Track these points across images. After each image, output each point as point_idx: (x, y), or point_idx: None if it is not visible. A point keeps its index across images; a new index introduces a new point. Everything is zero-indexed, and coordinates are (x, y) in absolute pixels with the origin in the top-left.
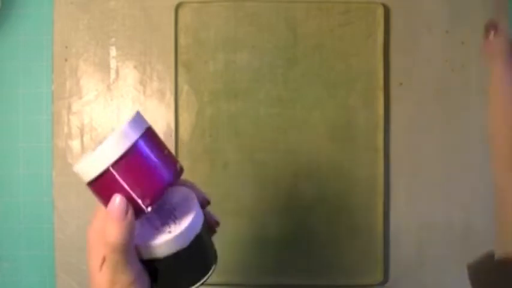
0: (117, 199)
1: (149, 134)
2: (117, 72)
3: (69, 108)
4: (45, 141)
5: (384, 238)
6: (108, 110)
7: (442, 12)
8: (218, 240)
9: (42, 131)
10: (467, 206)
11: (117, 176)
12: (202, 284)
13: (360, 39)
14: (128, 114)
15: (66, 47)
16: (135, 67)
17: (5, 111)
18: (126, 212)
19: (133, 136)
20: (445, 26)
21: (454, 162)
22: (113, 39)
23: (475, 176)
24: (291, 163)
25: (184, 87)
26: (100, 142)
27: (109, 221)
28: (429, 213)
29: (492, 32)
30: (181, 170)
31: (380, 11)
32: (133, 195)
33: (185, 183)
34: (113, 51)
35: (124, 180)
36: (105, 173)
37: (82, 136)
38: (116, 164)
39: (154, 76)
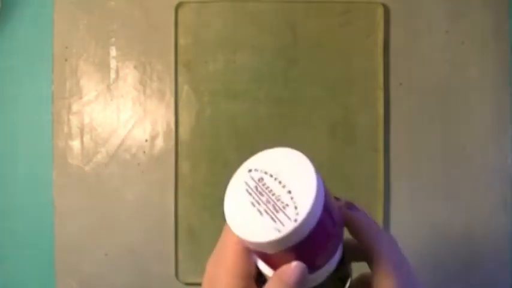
0: (300, 268)
1: (327, 199)
2: (117, 72)
3: (69, 108)
4: (45, 141)
5: None
6: (108, 110)
7: (442, 12)
8: (217, 240)
9: (42, 131)
10: (467, 206)
11: (296, 253)
12: None
13: (359, 39)
14: (128, 115)
15: (66, 47)
16: (135, 67)
17: (5, 111)
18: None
19: (319, 210)
20: (445, 26)
21: (454, 162)
22: (113, 39)
23: (475, 176)
24: None
25: (184, 87)
26: (270, 208)
27: (279, 282)
28: (429, 213)
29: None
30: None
31: (380, 11)
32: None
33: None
34: (113, 51)
35: (304, 254)
36: (281, 252)
37: (82, 136)
38: (301, 243)
39: (154, 76)
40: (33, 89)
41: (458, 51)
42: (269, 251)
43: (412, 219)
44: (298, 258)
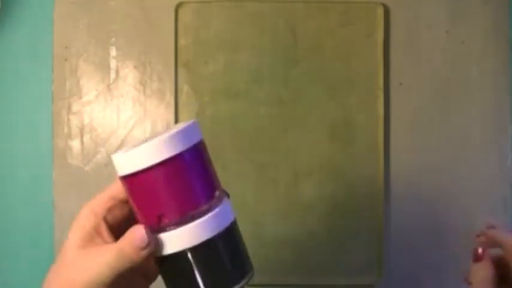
0: (142, 233)
1: (198, 149)
2: (117, 72)
3: (69, 108)
4: (45, 141)
5: (383, 238)
6: (108, 110)
7: (442, 12)
8: None
9: (42, 131)
10: (467, 206)
11: (149, 181)
12: None
13: (360, 39)
14: (128, 115)
15: (66, 47)
16: (135, 67)
17: (5, 111)
18: (143, 249)
19: (182, 145)
20: (445, 26)
21: (454, 162)
22: (113, 39)
23: (475, 176)
24: (291, 163)
25: (184, 87)
26: (147, 139)
27: (124, 246)
28: (429, 213)
29: (480, 250)
30: (220, 196)
31: (380, 11)
32: (156, 209)
33: None
34: (113, 51)
35: (154, 188)
36: (140, 173)
37: (82, 136)
38: (153, 168)
39: (154, 76)
40: (33, 89)
41: (458, 51)
42: (126, 170)
43: (412, 220)
44: (163, 184)
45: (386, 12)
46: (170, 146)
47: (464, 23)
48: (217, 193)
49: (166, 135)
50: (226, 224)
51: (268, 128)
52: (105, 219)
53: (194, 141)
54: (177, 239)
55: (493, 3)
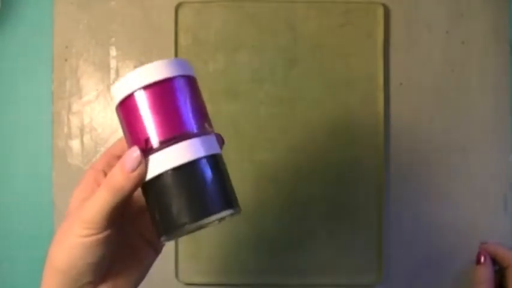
0: (136, 152)
1: (186, 81)
2: (117, 72)
3: (69, 108)
4: (45, 141)
5: (383, 238)
6: (108, 110)
7: (442, 12)
8: (218, 240)
9: (42, 131)
10: (467, 206)
11: (136, 105)
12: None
13: (360, 39)
14: None
15: (66, 47)
16: (135, 67)
17: (5, 111)
18: (136, 167)
19: (169, 72)
20: (445, 26)
21: (454, 161)
22: (113, 39)
23: (475, 176)
24: (291, 163)
25: None
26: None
27: (114, 174)
28: (429, 213)
29: (483, 258)
30: (208, 130)
31: (380, 11)
32: (143, 132)
33: None
34: (113, 51)
35: (141, 112)
36: (128, 99)
37: (82, 136)
38: (145, 89)
39: None
40: (33, 89)
41: (458, 51)
42: (118, 97)
43: (412, 220)
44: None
45: (387, 12)
46: (157, 71)
47: (464, 23)
48: (206, 125)
49: (154, 62)
50: (210, 152)
51: (268, 128)
52: (104, 172)
53: (182, 72)
54: (159, 161)
55: (493, 3)
